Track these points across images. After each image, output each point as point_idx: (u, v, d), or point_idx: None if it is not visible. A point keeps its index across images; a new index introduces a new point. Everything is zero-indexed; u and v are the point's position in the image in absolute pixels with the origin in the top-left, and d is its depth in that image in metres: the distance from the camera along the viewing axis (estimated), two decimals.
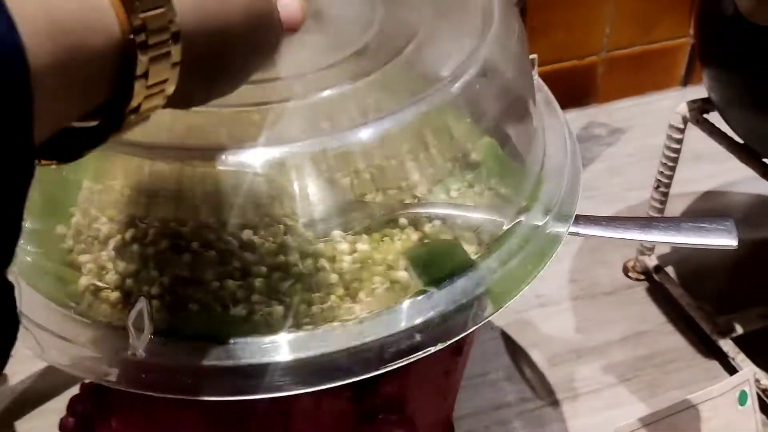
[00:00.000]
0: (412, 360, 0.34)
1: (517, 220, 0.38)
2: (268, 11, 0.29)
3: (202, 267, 0.34)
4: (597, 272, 0.72)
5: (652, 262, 0.70)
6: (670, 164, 0.63)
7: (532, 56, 0.43)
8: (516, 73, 0.40)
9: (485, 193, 0.41)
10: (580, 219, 0.40)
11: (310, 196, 0.36)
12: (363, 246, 0.36)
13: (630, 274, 0.71)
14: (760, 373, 0.59)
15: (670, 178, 0.64)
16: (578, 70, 0.93)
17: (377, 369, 0.33)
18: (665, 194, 0.64)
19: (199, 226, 0.35)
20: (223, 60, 0.27)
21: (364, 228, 0.37)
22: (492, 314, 0.35)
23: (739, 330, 0.62)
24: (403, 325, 0.34)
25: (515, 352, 0.64)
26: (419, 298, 0.35)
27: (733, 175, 0.80)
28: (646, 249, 0.70)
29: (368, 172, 0.37)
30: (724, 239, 0.37)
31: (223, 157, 0.33)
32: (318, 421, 0.41)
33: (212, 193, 0.35)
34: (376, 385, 0.40)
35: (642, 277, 0.71)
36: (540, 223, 0.38)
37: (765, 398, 0.58)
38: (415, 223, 0.38)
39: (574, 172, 0.40)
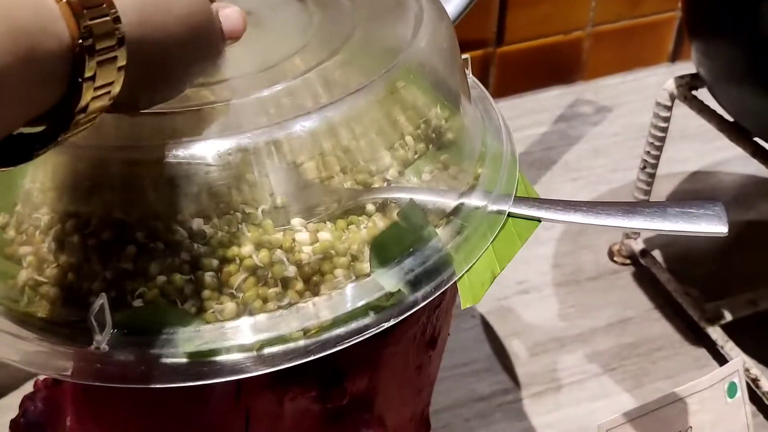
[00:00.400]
0: (364, 337, 0.32)
1: (473, 202, 0.37)
2: (208, 22, 0.31)
3: (147, 260, 0.32)
4: (581, 257, 0.69)
5: (638, 246, 0.67)
6: (657, 144, 0.60)
7: (465, 56, 0.45)
8: (450, 69, 0.40)
9: (459, 176, 0.39)
10: (560, 204, 0.38)
11: (271, 181, 0.33)
12: (325, 235, 0.33)
13: (615, 258, 0.69)
14: (749, 361, 0.57)
15: (657, 158, 0.61)
16: (564, 45, 0.90)
17: (332, 348, 0.32)
18: (652, 175, 0.62)
19: (145, 215, 0.32)
20: (166, 66, 0.29)
21: (328, 215, 0.34)
22: (445, 288, 0.34)
23: (728, 317, 0.60)
24: (352, 305, 0.32)
25: (496, 340, 0.62)
26: (370, 277, 0.33)
27: (721, 155, 0.78)
28: (632, 232, 0.67)
29: (335, 155, 0.35)
30: (714, 226, 0.35)
31: (175, 148, 0.31)
32: (281, 422, 0.38)
33: (161, 181, 0.32)
34: (342, 383, 0.37)
35: (628, 261, 0.68)
36: (488, 203, 0.37)
37: (755, 388, 0.56)
38: (384, 208, 0.35)
39: (512, 158, 0.40)
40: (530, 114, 0.89)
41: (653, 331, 0.62)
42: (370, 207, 0.35)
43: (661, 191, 0.75)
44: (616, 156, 0.80)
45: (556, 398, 0.57)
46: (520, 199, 0.38)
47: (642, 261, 0.67)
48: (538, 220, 0.37)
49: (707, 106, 0.56)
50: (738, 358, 0.51)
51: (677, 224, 0.36)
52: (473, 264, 0.35)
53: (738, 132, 0.53)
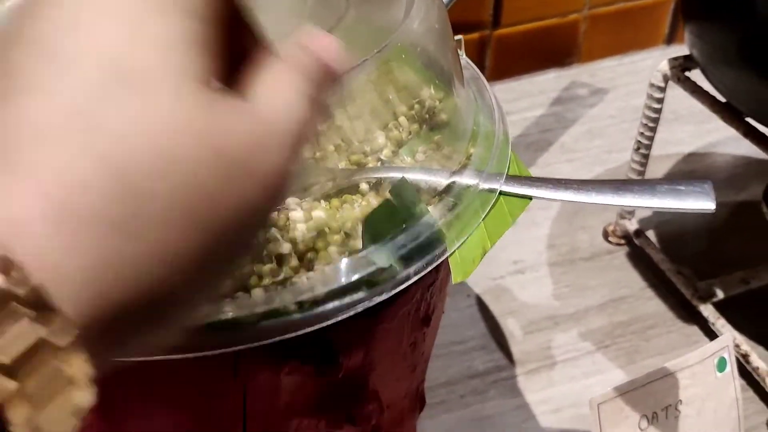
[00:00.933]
0: (357, 311, 0.33)
1: (465, 180, 0.37)
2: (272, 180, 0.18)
3: None
4: (576, 237, 0.70)
5: (632, 226, 0.68)
6: (651, 125, 0.61)
7: (457, 37, 0.45)
8: (442, 50, 0.41)
9: (452, 156, 0.40)
10: (551, 182, 0.38)
11: None
12: (319, 213, 0.34)
13: (610, 238, 0.70)
14: (740, 338, 0.58)
15: (651, 139, 0.61)
16: (560, 28, 0.90)
17: (326, 321, 0.33)
18: (646, 156, 0.62)
19: None
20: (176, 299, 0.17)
21: (322, 194, 0.35)
22: (437, 263, 0.35)
23: (720, 295, 0.61)
24: (345, 279, 0.33)
25: (491, 319, 0.63)
26: (363, 253, 0.34)
27: (714, 136, 0.78)
28: (626, 213, 0.68)
29: (329, 135, 0.36)
30: (702, 202, 0.35)
31: None
32: (278, 397, 0.39)
33: None
34: (337, 358, 0.38)
35: (622, 241, 0.69)
36: (480, 182, 0.38)
37: (744, 363, 0.57)
38: (377, 187, 0.36)
39: (504, 138, 0.41)
40: (527, 97, 0.89)
41: (646, 309, 0.63)
42: (363, 186, 0.36)
43: (655, 172, 0.75)
44: (612, 137, 0.81)
45: (549, 375, 0.58)
46: (511, 178, 0.39)
47: (636, 241, 0.67)
48: (530, 198, 0.38)
49: (700, 87, 0.56)
50: (727, 334, 0.51)
51: (666, 201, 0.36)
52: (465, 240, 0.36)
53: (730, 113, 0.54)
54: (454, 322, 0.62)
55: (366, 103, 0.37)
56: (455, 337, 0.61)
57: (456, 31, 0.93)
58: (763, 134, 0.52)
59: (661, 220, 0.71)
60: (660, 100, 0.59)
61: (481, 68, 0.91)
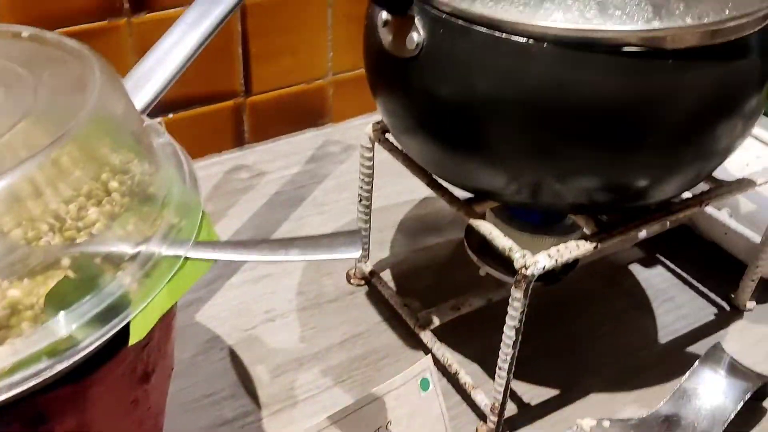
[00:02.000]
0: (42, 379, 0.36)
1: (155, 248, 0.42)
2: None
3: None
4: (323, 282, 0.77)
5: (368, 268, 0.76)
6: (367, 179, 0.69)
7: (158, 119, 0.50)
8: (136, 130, 0.46)
9: (155, 224, 0.45)
10: (230, 246, 0.44)
11: None
12: (14, 292, 0.38)
13: (351, 281, 0.77)
14: (452, 358, 0.67)
15: (369, 191, 0.70)
16: (309, 93, 0.99)
17: (7, 393, 0.36)
18: (368, 206, 0.71)
19: None
20: None
21: (27, 272, 0.39)
22: (119, 327, 0.39)
23: (437, 322, 0.70)
24: (28, 352, 0.37)
25: (242, 368, 0.68)
26: (46, 325, 0.37)
27: None
28: (362, 257, 0.76)
29: (41, 216, 0.39)
30: (349, 251, 0.43)
31: None
32: None
33: None
34: (47, 423, 0.41)
35: (362, 282, 0.77)
36: (169, 248, 0.43)
37: (457, 379, 0.66)
38: (77, 262, 0.40)
39: (196, 207, 0.46)
40: (284, 157, 0.97)
41: (380, 342, 0.71)
42: (65, 261, 0.40)
43: (394, 218, 0.85)
44: (357, 190, 0.89)
45: (291, 414, 0.64)
46: (198, 243, 0.44)
47: (373, 281, 0.76)
48: (212, 260, 0.44)
49: (395, 146, 0.66)
50: (427, 357, 0.60)
51: (323, 253, 0.44)
52: (147, 304, 0.41)
53: (416, 166, 0.63)
54: (207, 376, 0.67)
55: (77, 182, 0.41)
56: (206, 390, 0.65)
57: (210, 101, 0.99)
58: (437, 182, 0.62)
59: (394, 261, 0.80)
60: (370, 158, 0.68)
61: (241, 133, 0.98)
